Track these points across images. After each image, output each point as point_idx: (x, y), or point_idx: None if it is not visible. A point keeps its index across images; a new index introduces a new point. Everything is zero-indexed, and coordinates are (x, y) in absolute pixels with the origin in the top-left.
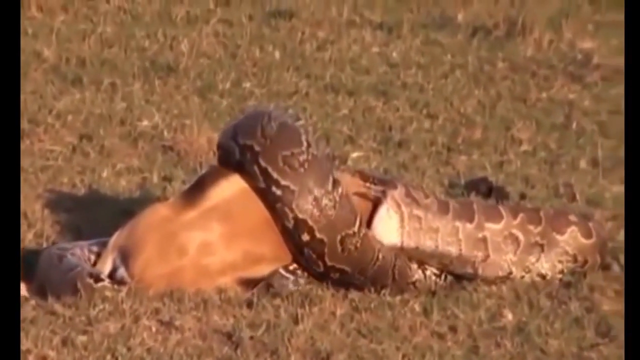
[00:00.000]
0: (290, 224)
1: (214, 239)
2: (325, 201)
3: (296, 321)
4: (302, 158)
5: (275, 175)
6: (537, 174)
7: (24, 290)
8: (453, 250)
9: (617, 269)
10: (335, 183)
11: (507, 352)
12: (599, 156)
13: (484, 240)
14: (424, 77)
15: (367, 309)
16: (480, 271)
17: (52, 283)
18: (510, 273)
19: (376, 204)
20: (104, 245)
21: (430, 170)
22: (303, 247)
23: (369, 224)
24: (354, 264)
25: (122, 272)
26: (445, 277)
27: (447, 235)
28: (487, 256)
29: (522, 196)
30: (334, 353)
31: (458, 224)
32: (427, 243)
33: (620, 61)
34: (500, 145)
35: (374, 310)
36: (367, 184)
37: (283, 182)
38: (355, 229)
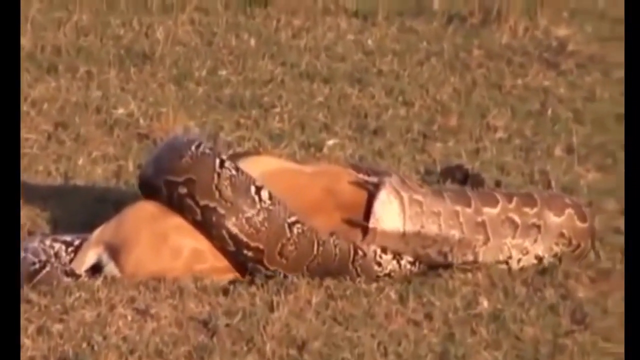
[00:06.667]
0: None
1: (205, 249)
2: (289, 247)
3: (272, 309)
4: (261, 216)
5: (245, 239)
6: (512, 161)
7: None
8: (456, 233)
9: (593, 256)
10: (291, 225)
11: (482, 339)
12: (574, 143)
13: (483, 224)
14: (399, 64)
15: (342, 297)
16: (480, 256)
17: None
18: (510, 257)
19: (372, 194)
20: (78, 238)
21: (406, 157)
22: None
23: (368, 211)
24: (318, 272)
25: (111, 267)
26: (420, 265)
27: (449, 219)
28: (488, 239)
29: (498, 183)
30: (310, 341)
31: (457, 207)
32: (430, 227)
33: (595, 48)
34: (475, 132)
35: (350, 297)
36: (361, 175)
37: (252, 244)
38: (315, 252)
